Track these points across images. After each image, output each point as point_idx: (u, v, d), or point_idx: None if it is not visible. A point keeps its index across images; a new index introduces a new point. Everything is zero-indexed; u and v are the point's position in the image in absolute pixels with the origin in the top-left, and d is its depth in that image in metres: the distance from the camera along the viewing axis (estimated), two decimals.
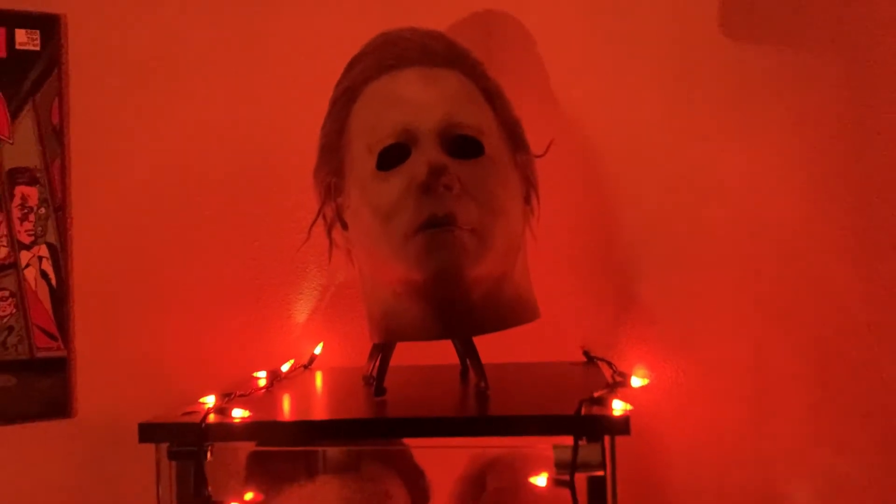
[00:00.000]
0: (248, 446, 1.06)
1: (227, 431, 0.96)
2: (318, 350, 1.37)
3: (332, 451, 1.08)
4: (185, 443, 0.95)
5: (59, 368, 1.36)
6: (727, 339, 1.25)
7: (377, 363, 1.11)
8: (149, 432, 0.96)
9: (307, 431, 0.97)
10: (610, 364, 1.17)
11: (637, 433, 1.19)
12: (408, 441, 1.09)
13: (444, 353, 1.19)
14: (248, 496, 0.99)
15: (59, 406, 1.36)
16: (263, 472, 1.06)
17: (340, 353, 1.38)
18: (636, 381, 1.04)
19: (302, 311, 1.44)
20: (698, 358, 1.26)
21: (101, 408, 1.38)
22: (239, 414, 0.97)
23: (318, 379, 1.30)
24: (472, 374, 1.14)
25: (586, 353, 1.26)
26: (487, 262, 1.01)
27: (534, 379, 1.22)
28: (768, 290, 1.25)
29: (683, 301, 1.28)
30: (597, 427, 0.88)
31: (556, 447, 0.89)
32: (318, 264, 1.41)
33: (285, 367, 1.27)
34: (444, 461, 1.23)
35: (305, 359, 1.35)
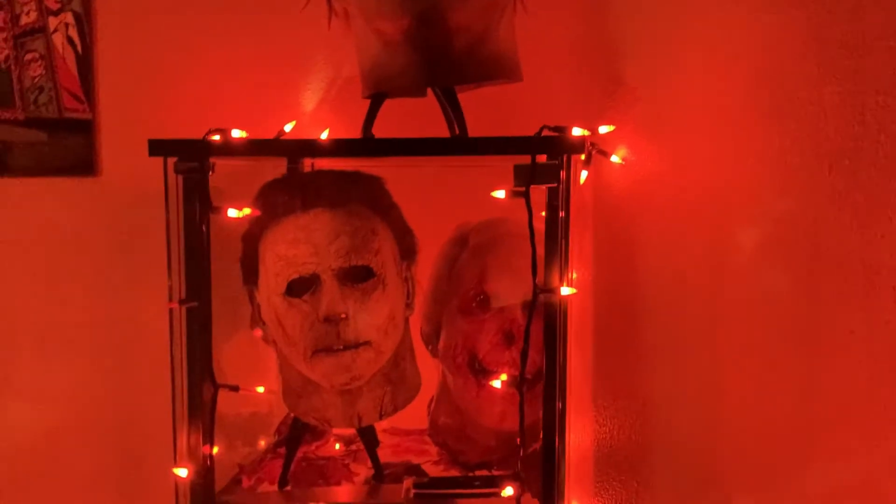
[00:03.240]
0: (246, 169, 1.17)
1: (229, 148, 1.07)
2: (324, 135, 1.45)
3: (326, 189, 1.18)
4: (190, 158, 1.07)
5: (86, 129, 1.48)
6: (705, 115, 1.31)
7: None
8: (158, 147, 1.07)
9: (301, 149, 1.07)
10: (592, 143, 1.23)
11: (616, 199, 1.26)
12: (389, 160, 1.18)
13: None
14: (246, 210, 1.11)
15: (85, 164, 1.48)
16: (265, 202, 1.18)
17: None
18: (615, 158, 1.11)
19: (310, 100, 1.52)
20: (679, 131, 1.32)
21: (124, 168, 1.50)
22: (238, 133, 1.08)
23: None
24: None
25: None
26: (469, 9, 1.08)
27: None
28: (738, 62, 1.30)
29: (666, 82, 1.33)
30: (555, 145, 0.97)
31: (516, 166, 0.98)
32: (326, 57, 1.49)
33: (288, 128, 1.37)
34: (431, 221, 1.34)
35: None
